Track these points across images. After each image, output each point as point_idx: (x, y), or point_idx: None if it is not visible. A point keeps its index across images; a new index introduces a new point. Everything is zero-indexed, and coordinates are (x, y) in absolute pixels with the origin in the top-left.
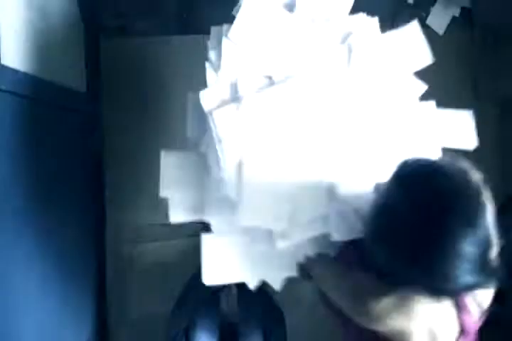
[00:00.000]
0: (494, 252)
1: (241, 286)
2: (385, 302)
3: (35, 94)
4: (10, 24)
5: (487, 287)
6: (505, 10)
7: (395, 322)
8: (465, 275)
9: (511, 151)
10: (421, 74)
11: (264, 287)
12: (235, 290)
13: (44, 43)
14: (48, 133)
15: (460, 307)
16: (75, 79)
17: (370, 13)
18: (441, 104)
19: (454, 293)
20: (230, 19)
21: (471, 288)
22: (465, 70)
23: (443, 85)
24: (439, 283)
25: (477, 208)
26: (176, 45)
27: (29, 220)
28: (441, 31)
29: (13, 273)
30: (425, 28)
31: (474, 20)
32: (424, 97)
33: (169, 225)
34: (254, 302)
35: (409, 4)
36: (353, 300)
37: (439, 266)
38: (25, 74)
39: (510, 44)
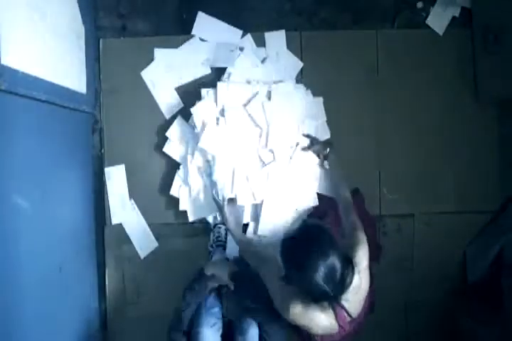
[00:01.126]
0: (342, 276)
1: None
2: (296, 309)
3: (35, 94)
4: (10, 24)
5: (336, 297)
6: (505, 10)
7: (302, 322)
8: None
9: (511, 151)
10: (421, 74)
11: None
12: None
13: (44, 43)
14: (48, 133)
15: (336, 314)
16: (74, 79)
17: (371, 13)
18: (442, 103)
19: (323, 298)
20: (229, 19)
21: (328, 294)
22: (465, 70)
23: (443, 85)
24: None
25: (329, 248)
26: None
27: (28, 219)
28: (441, 31)
29: (14, 277)
30: (425, 28)
31: (474, 20)
32: (425, 97)
33: (169, 224)
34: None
35: (409, 4)
36: (280, 301)
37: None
38: (25, 74)
39: (510, 44)
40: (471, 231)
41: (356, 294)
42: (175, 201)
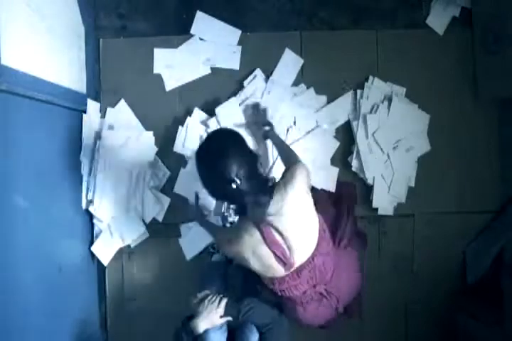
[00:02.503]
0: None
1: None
2: (223, 236)
3: (35, 94)
4: (10, 24)
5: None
6: (505, 10)
7: (232, 249)
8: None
9: (511, 151)
10: (421, 74)
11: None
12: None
13: (44, 43)
14: (48, 133)
15: (263, 234)
16: (74, 79)
17: (371, 13)
18: (442, 103)
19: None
20: (229, 19)
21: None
22: (465, 70)
23: (443, 85)
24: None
25: (240, 144)
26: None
27: (28, 219)
28: (441, 31)
29: (14, 277)
30: (425, 28)
31: (474, 20)
32: (425, 97)
33: (168, 224)
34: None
35: (409, 4)
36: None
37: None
38: (25, 74)
39: (510, 44)
40: (471, 231)
41: (284, 217)
42: (177, 200)
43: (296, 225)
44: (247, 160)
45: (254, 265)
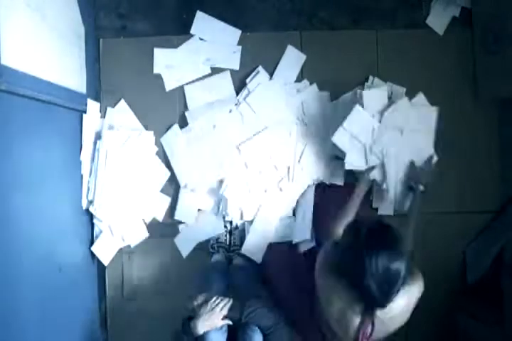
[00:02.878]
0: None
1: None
2: (338, 304)
3: (35, 94)
4: (10, 24)
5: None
6: (505, 10)
7: (336, 320)
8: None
9: (511, 151)
10: (421, 74)
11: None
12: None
13: (44, 43)
14: (48, 133)
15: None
16: (75, 79)
17: (371, 13)
18: (442, 103)
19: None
20: (229, 19)
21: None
22: (465, 70)
23: (443, 85)
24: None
25: (400, 252)
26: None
27: (28, 219)
28: (441, 31)
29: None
30: (425, 28)
31: (474, 20)
32: (425, 97)
33: (168, 224)
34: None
35: (409, 4)
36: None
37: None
38: (25, 74)
39: (510, 44)
40: (471, 231)
41: (390, 317)
42: (175, 200)
43: (389, 331)
44: (407, 269)
45: (333, 320)
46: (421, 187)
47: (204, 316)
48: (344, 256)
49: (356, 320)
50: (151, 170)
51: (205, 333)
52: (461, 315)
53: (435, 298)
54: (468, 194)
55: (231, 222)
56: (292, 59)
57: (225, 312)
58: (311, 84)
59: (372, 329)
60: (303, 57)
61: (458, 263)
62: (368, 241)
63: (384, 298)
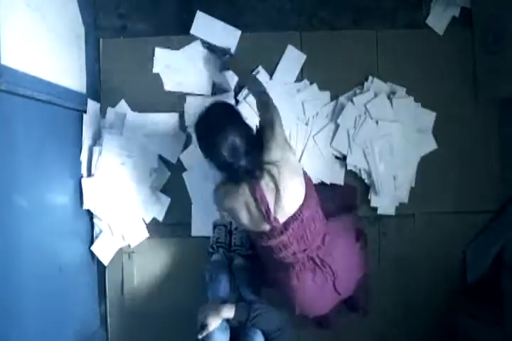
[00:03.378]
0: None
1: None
2: (220, 191)
3: (35, 94)
4: (10, 24)
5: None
6: (505, 10)
7: (227, 204)
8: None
9: (511, 151)
10: (421, 74)
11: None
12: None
13: (44, 43)
14: (48, 133)
15: (255, 190)
16: (75, 79)
17: (371, 13)
18: (442, 103)
19: (240, 174)
20: (229, 19)
21: (243, 168)
22: (465, 70)
23: (443, 85)
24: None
25: (233, 118)
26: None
27: (28, 218)
28: (441, 31)
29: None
30: (425, 28)
31: (474, 20)
32: (425, 97)
33: (168, 224)
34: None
35: (409, 4)
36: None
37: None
38: (25, 74)
39: (510, 44)
40: (471, 231)
41: (275, 185)
42: (175, 201)
43: (287, 176)
44: (243, 133)
45: (244, 219)
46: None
47: (211, 325)
48: (201, 146)
49: (250, 199)
50: (151, 170)
51: (209, 333)
52: (461, 315)
53: (435, 298)
54: (468, 194)
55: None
56: (292, 59)
57: (231, 314)
58: (311, 84)
59: (274, 184)
60: (303, 57)
61: (458, 263)
62: (200, 124)
63: (239, 161)
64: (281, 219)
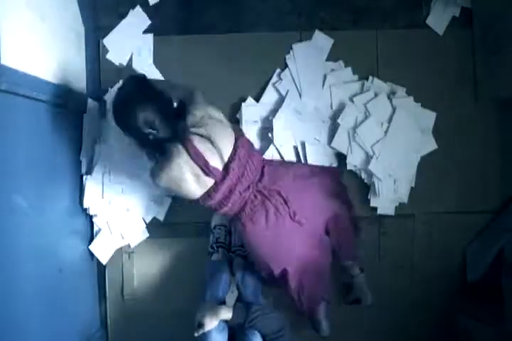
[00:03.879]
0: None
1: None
2: (156, 169)
3: (35, 94)
4: (10, 24)
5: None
6: (505, 10)
7: (170, 177)
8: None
9: (511, 151)
10: (421, 74)
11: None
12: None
13: (44, 43)
14: (47, 133)
15: (188, 149)
16: (74, 79)
17: (371, 13)
18: (441, 104)
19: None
20: (228, 19)
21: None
22: (465, 70)
23: (443, 85)
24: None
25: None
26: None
27: (28, 219)
28: (441, 31)
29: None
30: (425, 28)
31: (474, 20)
32: (425, 97)
33: (168, 224)
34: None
35: (409, 4)
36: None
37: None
38: (25, 74)
39: (510, 44)
40: (471, 231)
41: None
42: (175, 201)
43: (210, 123)
44: (159, 107)
45: (191, 184)
46: None
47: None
48: (118, 123)
49: (187, 158)
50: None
51: (208, 333)
52: (461, 314)
53: (435, 297)
54: (468, 194)
55: (231, 222)
56: (319, 43)
57: (229, 315)
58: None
59: (207, 138)
60: (330, 41)
61: (458, 263)
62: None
63: (159, 133)
64: (221, 166)
